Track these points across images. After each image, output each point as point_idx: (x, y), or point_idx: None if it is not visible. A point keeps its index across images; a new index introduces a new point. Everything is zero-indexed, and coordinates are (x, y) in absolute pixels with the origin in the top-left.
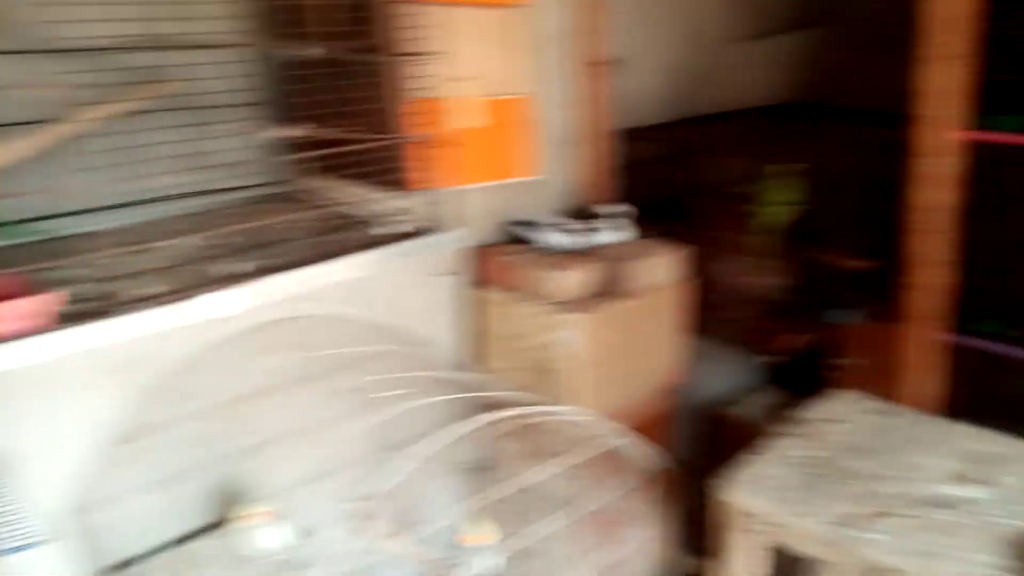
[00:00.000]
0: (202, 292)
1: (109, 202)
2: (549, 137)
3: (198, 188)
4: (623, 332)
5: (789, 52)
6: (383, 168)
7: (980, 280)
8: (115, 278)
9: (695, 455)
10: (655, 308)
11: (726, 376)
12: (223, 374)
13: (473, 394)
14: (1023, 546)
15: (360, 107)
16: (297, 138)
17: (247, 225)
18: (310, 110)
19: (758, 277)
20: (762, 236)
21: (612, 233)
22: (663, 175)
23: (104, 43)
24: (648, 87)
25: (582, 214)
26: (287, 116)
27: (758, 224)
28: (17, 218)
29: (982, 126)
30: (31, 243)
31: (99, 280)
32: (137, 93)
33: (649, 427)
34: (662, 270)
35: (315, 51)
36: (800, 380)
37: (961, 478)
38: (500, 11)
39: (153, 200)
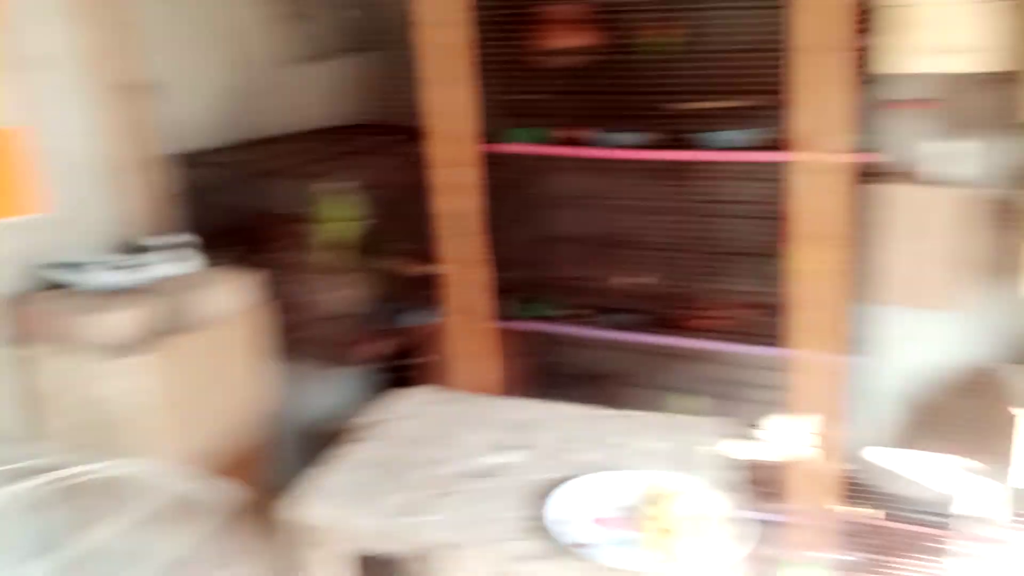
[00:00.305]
0: None
1: None
2: (72, 168)
3: None
4: (193, 368)
5: (343, 76)
6: None
7: (525, 271)
8: None
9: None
10: (227, 338)
11: (327, 394)
12: None
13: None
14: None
15: None
16: None
17: None
18: None
19: (332, 293)
20: (328, 253)
21: (170, 265)
22: (224, 200)
23: None
24: (200, 111)
25: (133, 248)
26: None
27: (322, 242)
28: None
29: (502, 139)
30: None
31: None
32: None
33: (244, 461)
34: (229, 298)
35: None
36: (396, 384)
37: (500, 446)
38: None
39: None
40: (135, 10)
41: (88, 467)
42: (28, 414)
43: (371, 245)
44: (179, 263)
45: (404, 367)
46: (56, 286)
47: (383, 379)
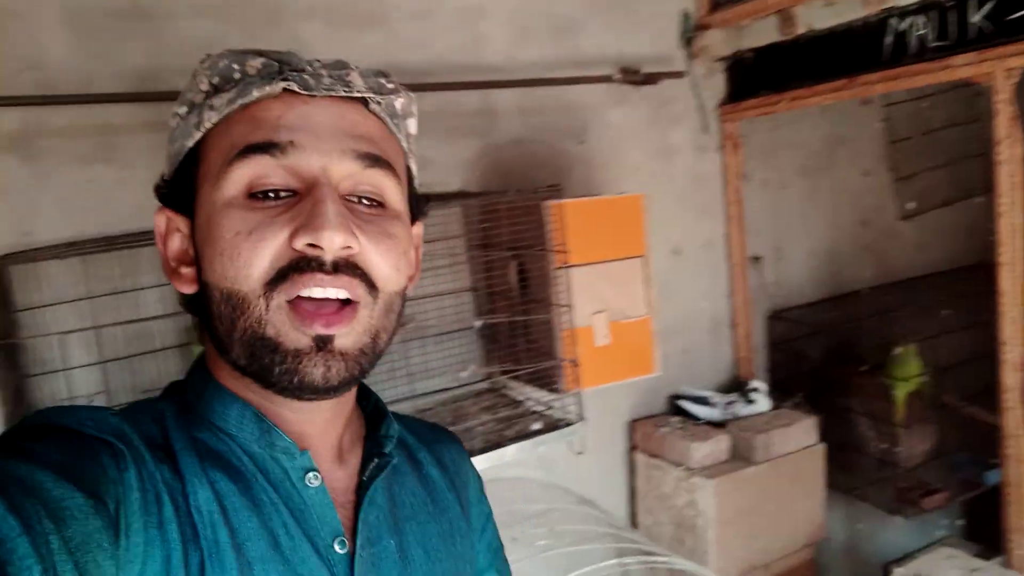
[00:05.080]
0: None
1: None
2: (703, 319)
3: (428, 390)
4: (756, 494)
5: (938, 225)
6: (549, 376)
7: None
8: None
9: None
10: (789, 472)
11: (882, 536)
12: None
13: (620, 544)
14: None
15: (532, 343)
16: (490, 371)
17: (449, 426)
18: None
19: (900, 441)
20: (900, 403)
21: (750, 405)
22: (802, 350)
23: None
24: (795, 274)
25: (726, 388)
26: (488, 348)
27: (894, 392)
28: None
29: None
30: None
31: None
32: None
33: None
34: (794, 436)
35: (500, 318)
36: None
37: None
38: (625, 262)
39: (398, 401)
40: (752, 203)
41: (664, 558)
42: (628, 507)
43: (943, 395)
44: (757, 404)
45: (978, 524)
46: (675, 411)
47: (949, 532)
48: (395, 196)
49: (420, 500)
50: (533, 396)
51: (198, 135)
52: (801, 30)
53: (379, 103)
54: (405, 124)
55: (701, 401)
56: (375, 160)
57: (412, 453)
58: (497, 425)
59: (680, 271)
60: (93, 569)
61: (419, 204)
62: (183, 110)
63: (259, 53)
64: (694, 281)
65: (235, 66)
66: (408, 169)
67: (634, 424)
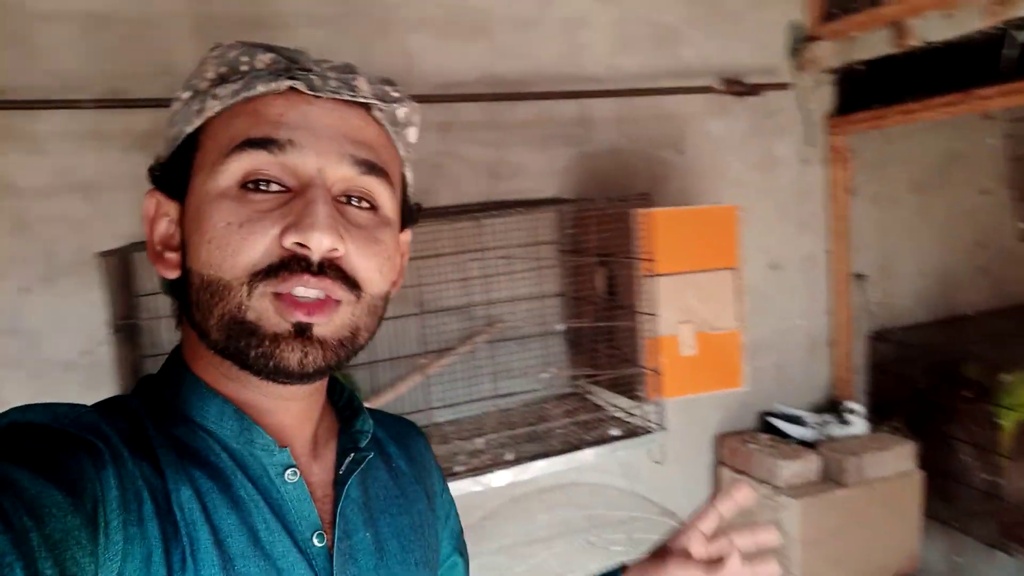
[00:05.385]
0: (498, 468)
1: (457, 401)
2: (800, 337)
3: (511, 391)
4: (844, 518)
5: None
6: (631, 384)
7: None
8: (453, 455)
9: None
10: (881, 496)
11: (990, 570)
12: (517, 522)
13: None
14: None
15: (616, 349)
16: (572, 375)
17: (530, 427)
18: (588, 352)
19: (1006, 472)
20: (1009, 434)
21: (844, 427)
22: (903, 373)
23: (462, 303)
24: (900, 293)
25: (822, 408)
26: (572, 352)
27: (1004, 423)
28: (403, 412)
29: None
30: None
31: (440, 457)
32: (484, 332)
33: None
34: (890, 461)
35: (585, 323)
36: None
37: None
38: (715, 273)
39: (481, 400)
40: (858, 219)
41: None
42: None
43: None
44: (852, 426)
45: None
46: (766, 428)
47: None
48: (387, 203)
49: (392, 493)
50: (614, 402)
51: (198, 122)
52: (915, 42)
53: (382, 110)
54: (405, 133)
55: (793, 420)
56: (371, 167)
57: (383, 447)
58: (576, 428)
59: (777, 286)
60: (72, 567)
61: (411, 212)
62: (186, 95)
63: (269, 48)
64: (792, 297)
65: (244, 58)
66: (403, 177)
67: (721, 438)
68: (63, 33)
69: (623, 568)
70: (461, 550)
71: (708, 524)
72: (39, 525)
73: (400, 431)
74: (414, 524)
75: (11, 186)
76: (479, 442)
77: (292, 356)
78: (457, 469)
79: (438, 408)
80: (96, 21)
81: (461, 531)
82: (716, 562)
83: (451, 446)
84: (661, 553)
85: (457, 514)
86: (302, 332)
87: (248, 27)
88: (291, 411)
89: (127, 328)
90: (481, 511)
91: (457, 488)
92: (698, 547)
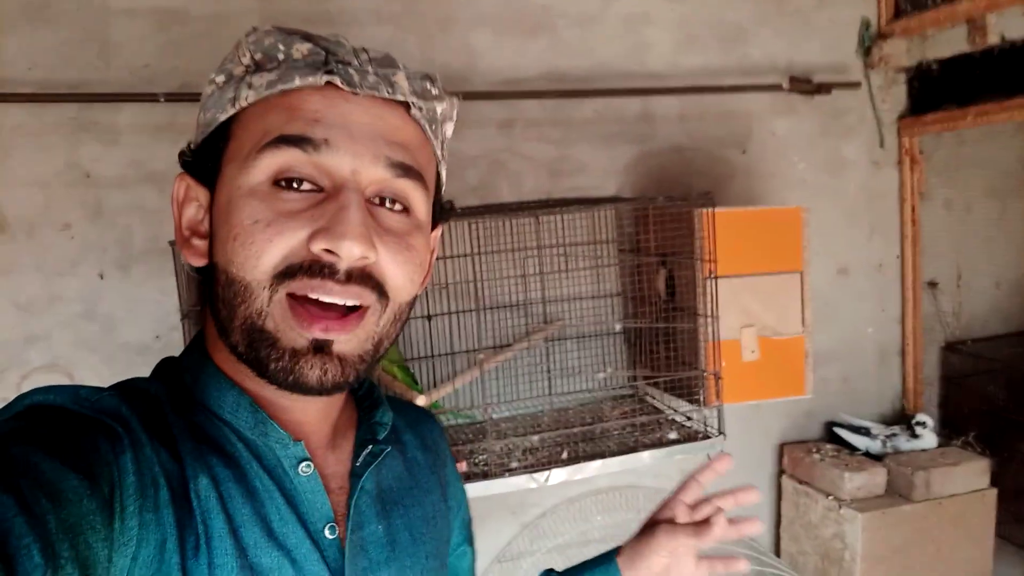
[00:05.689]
0: (554, 466)
1: (513, 398)
2: (871, 346)
3: (568, 390)
4: (910, 534)
5: None
6: (690, 387)
7: None
8: (508, 452)
9: None
10: (952, 515)
11: None
12: (573, 521)
13: (761, 568)
14: None
15: (675, 351)
16: (629, 376)
17: (586, 426)
18: (646, 353)
19: None
20: None
21: (913, 440)
22: (977, 387)
23: (520, 300)
24: (975, 304)
25: (893, 421)
26: (630, 353)
27: None
28: (460, 407)
29: None
30: (460, 424)
31: (496, 453)
32: (542, 330)
33: None
34: (963, 478)
35: (643, 323)
36: None
37: None
38: (779, 276)
39: (537, 397)
40: (930, 224)
41: None
42: (773, 533)
43: None
44: (922, 440)
45: None
46: (831, 439)
47: None
48: (421, 207)
49: (406, 485)
50: (672, 406)
51: (232, 111)
52: (993, 39)
53: (420, 109)
54: (443, 129)
55: (860, 431)
56: (407, 170)
57: (398, 436)
58: (633, 430)
59: (845, 292)
60: (86, 551)
61: (443, 211)
62: (220, 79)
63: (307, 37)
64: (860, 304)
65: (280, 46)
66: (437, 176)
67: (784, 447)
68: (139, 29)
69: (617, 550)
70: (471, 540)
71: (690, 495)
72: (56, 508)
73: (415, 418)
74: (426, 515)
75: (90, 175)
76: (535, 439)
77: (311, 373)
78: (513, 465)
79: (494, 404)
80: (170, 17)
81: (471, 521)
82: (702, 523)
83: (506, 442)
84: (649, 525)
85: (468, 503)
86: (321, 348)
87: (315, 23)
88: (309, 410)
89: (196, 314)
90: (538, 508)
91: (513, 484)
92: (683, 515)
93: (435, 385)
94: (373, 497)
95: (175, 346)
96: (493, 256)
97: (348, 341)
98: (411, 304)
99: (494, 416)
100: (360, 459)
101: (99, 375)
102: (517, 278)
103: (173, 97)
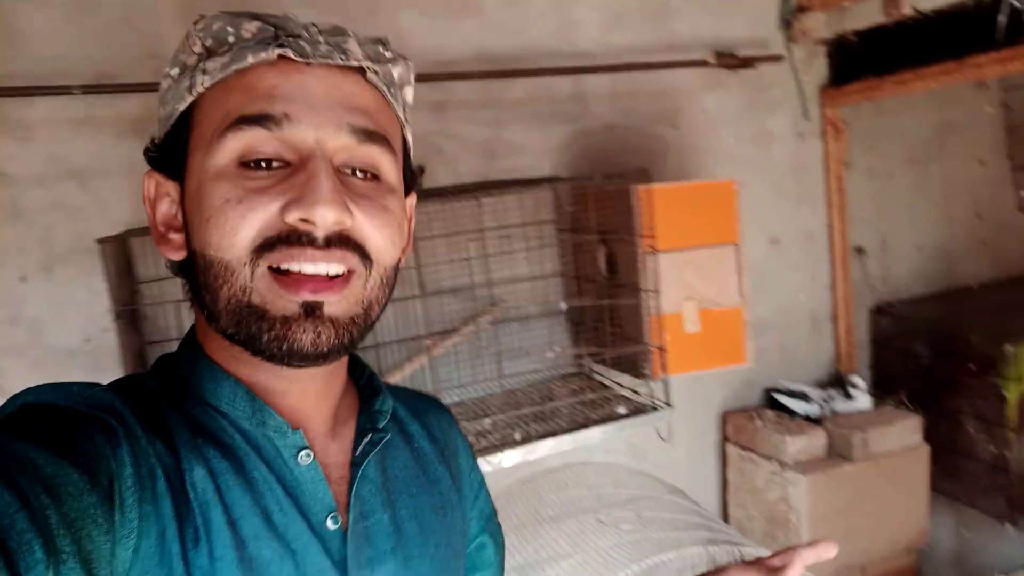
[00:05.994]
0: (507, 448)
1: (462, 382)
2: (802, 312)
3: (516, 371)
4: (851, 492)
5: None
6: (636, 362)
7: None
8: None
9: None
10: (886, 472)
11: (992, 544)
12: (526, 503)
13: (709, 534)
14: None
15: (619, 327)
16: (576, 353)
17: (536, 406)
18: (591, 330)
19: (1012, 445)
20: (1013, 404)
21: (848, 402)
22: (905, 348)
23: (463, 284)
24: (898, 268)
25: (825, 384)
26: (575, 331)
27: (1010, 396)
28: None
29: None
30: None
31: None
32: (488, 313)
33: None
34: (894, 436)
35: (587, 301)
36: None
37: None
38: (716, 249)
39: (486, 380)
40: (855, 192)
41: (752, 550)
42: (720, 499)
43: None
44: (856, 401)
45: None
46: (771, 405)
47: None
48: (390, 170)
49: (412, 473)
50: (619, 381)
51: (190, 99)
52: (907, 11)
53: (376, 72)
54: (403, 93)
55: (798, 396)
56: (370, 135)
57: (404, 426)
58: (582, 407)
59: (778, 262)
60: (88, 545)
61: (413, 176)
62: (175, 72)
63: (254, 16)
64: (793, 273)
65: (229, 28)
66: (404, 141)
67: (727, 415)
68: (47, 18)
69: None
70: (492, 531)
71: (779, 560)
72: (56, 503)
73: (423, 408)
74: (435, 505)
75: (3, 174)
76: (486, 423)
77: (305, 337)
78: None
79: (444, 389)
80: (80, 5)
81: (494, 512)
82: (777, 570)
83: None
84: (722, 568)
85: (488, 495)
86: (312, 311)
87: (234, 7)
88: (306, 392)
89: (129, 314)
90: (491, 492)
91: None
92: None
93: (384, 373)
94: (378, 486)
95: (107, 348)
96: (434, 241)
97: (338, 303)
98: (396, 269)
99: (444, 401)
100: (360, 447)
101: (27, 382)
102: (460, 262)
103: (90, 89)
